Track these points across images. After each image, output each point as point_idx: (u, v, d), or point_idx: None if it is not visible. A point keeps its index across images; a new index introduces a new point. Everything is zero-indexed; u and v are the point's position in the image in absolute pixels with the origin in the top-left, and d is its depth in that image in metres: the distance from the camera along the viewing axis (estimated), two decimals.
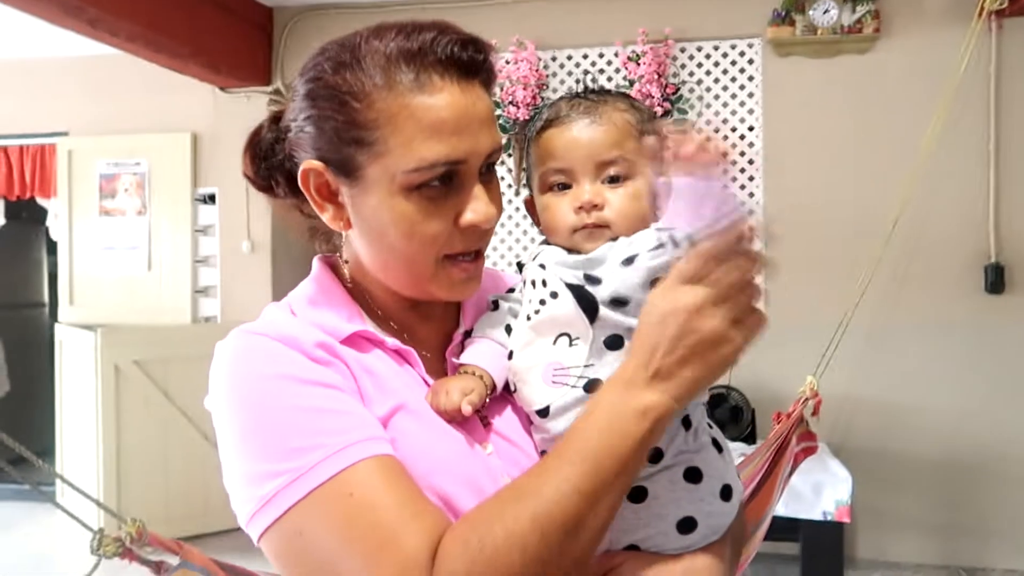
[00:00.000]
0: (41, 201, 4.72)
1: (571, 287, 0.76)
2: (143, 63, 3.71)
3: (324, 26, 4.05)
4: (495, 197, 0.79)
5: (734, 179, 0.62)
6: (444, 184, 0.74)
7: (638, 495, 0.73)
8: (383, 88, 0.72)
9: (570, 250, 0.80)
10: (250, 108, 4.16)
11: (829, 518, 2.79)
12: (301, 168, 0.78)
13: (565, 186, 0.81)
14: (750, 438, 3.30)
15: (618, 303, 0.74)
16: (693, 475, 0.74)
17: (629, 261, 0.74)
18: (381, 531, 0.64)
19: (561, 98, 0.85)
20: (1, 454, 1.93)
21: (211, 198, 4.26)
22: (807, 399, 2.24)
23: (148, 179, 4.32)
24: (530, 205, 0.87)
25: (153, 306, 4.27)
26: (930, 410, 3.53)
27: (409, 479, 0.69)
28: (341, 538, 0.65)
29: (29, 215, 5.12)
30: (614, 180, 0.80)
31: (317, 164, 0.77)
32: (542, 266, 0.80)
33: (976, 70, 3.43)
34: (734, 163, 0.63)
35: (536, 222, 0.85)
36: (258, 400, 0.71)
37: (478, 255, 0.80)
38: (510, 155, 3.86)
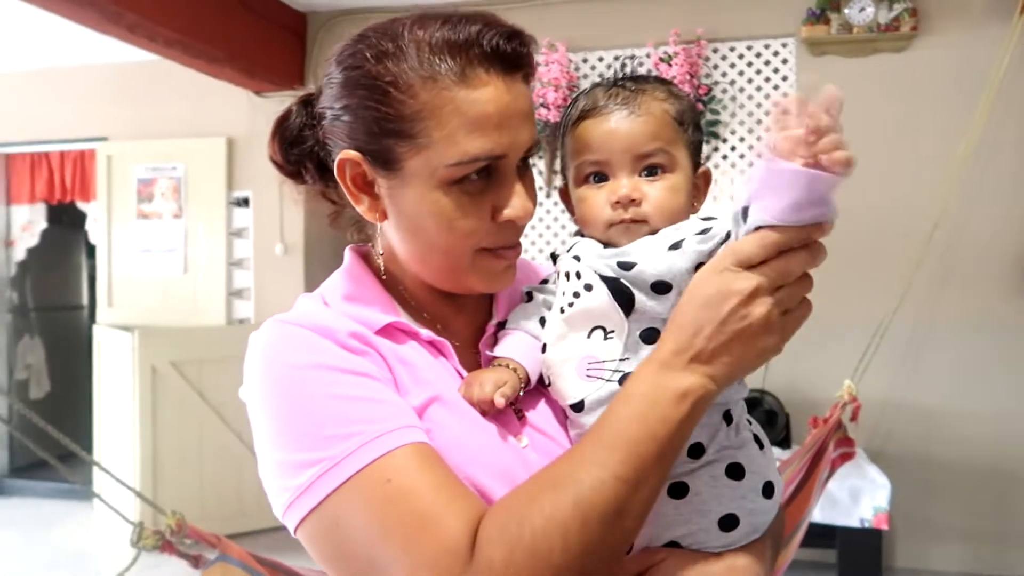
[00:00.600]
0: (81, 205, 4.82)
1: (606, 279, 0.75)
2: (179, 69, 3.77)
3: (355, 28, 4.08)
4: (531, 190, 0.79)
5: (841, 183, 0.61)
6: (483, 178, 0.74)
7: (680, 491, 0.72)
8: (427, 80, 0.71)
9: (605, 243, 0.79)
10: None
11: (867, 525, 2.73)
12: (338, 158, 0.77)
13: (602, 178, 0.79)
14: (784, 443, 3.25)
15: (660, 289, 0.72)
16: (735, 471, 0.73)
17: (676, 246, 0.73)
18: (420, 516, 0.63)
19: (597, 85, 0.82)
20: (45, 452, 1.96)
21: (245, 201, 4.32)
22: (845, 404, 2.20)
23: (184, 183, 4.39)
24: (564, 195, 0.86)
25: (189, 308, 4.33)
26: (971, 414, 3.45)
27: (445, 466, 0.68)
28: (380, 524, 0.64)
29: (69, 219, 5.23)
30: (652, 172, 0.78)
31: (354, 154, 0.76)
32: (576, 258, 0.79)
33: (1018, 68, 3.35)
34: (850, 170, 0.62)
35: (571, 211, 0.84)
36: (292, 389, 0.70)
37: (515, 246, 0.80)
38: (541, 157, 3.86)
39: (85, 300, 5.96)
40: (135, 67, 4.37)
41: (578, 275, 0.77)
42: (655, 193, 0.77)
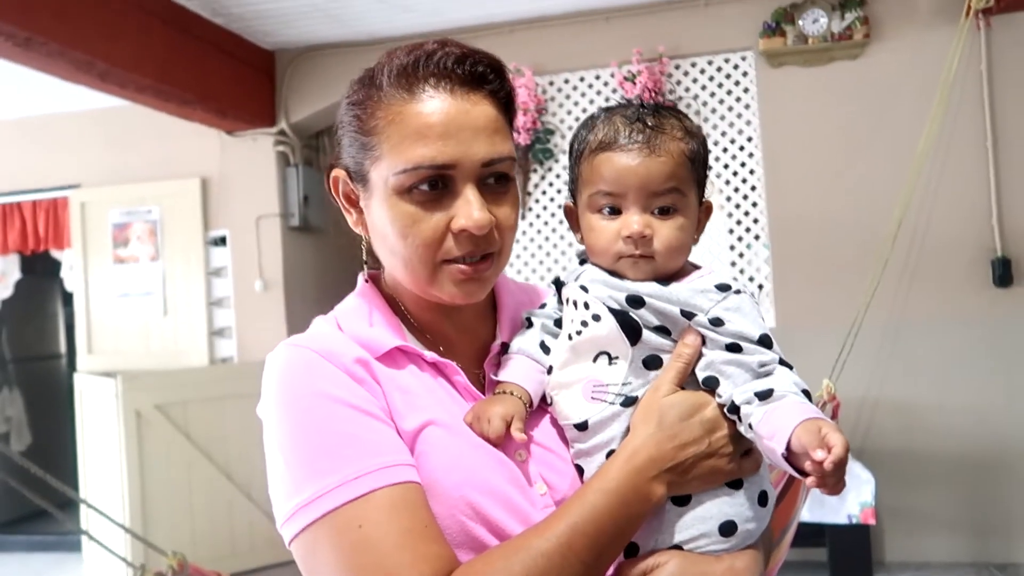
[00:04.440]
0: (55, 253, 4.79)
1: (614, 312, 0.79)
2: (151, 112, 3.80)
3: (324, 66, 4.14)
4: (501, 207, 0.80)
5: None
6: (436, 189, 0.77)
7: (683, 500, 0.77)
8: (385, 98, 0.78)
9: (611, 272, 0.82)
10: (256, 150, 4.25)
11: (855, 521, 2.79)
12: (331, 175, 0.85)
13: (615, 210, 0.82)
14: None
15: (662, 332, 0.79)
16: (734, 483, 0.78)
17: (686, 315, 0.79)
18: (381, 570, 0.68)
19: (616, 112, 0.84)
20: (32, 504, 1.96)
21: (222, 240, 4.33)
22: (824, 403, 2.25)
23: (160, 225, 4.40)
24: (570, 213, 0.89)
25: (170, 350, 4.32)
26: (949, 407, 3.53)
27: (423, 511, 0.72)
28: (344, 569, 0.69)
29: (43, 268, 5.20)
30: (664, 211, 0.81)
31: (340, 172, 0.84)
32: (584, 288, 0.82)
33: (968, 68, 3.48)
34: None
35: (574, 228, 0.88)
36: (293, 415, 0.75)
37: (485, 259, 0.80)
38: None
39: (63, 349, 5.90)
40: (106, 113, 4.39)
41: (586, 305, 0.81)
42: (665, 232, 0.80)
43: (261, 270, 4.24)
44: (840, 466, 0.67)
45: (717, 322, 0.77)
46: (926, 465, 3.53)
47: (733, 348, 0.77)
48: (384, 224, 0.80)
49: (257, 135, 4.22)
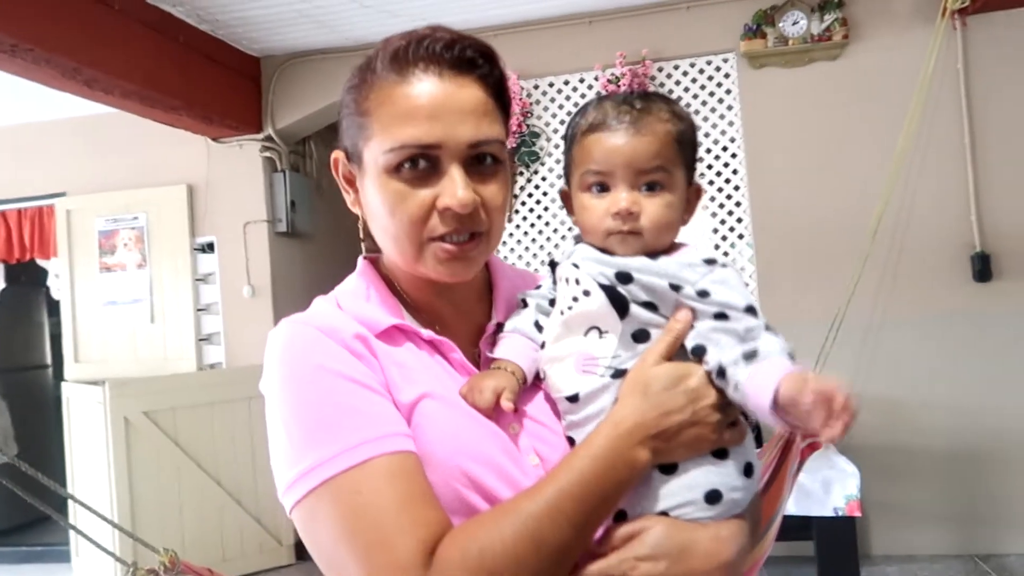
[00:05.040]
0: (40, 262, 4.78)
1: (603, 287, 0.82)
2: (136, 119, 3.81)
3: (310, 72, 4.16)
4: (488, 187, 0.82)
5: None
6: (423, 168, 0.80)
7: (671, 468, 0.79)
8: (377, 82, 0.82)
9: (602, 249, 0.86)
10: (243, 156, 4.26)
11: (840, 513, 2.82)
12: (332, 157, 0.89)
13: (604, 188, 0.85)
14: (757, 441, 3.34)
15: (649, 307, 0.82)
16: (720, 452, 0.81)
17: (675, 287, 0.81)
18: (380, 532, 0.70)
19: (606, 98, 0.88)
20: (23, 514, 1.95)
21: (210, 246, 4.34)
22: None
23: (147, 233, 4.40)
24: (566, 197, 0.92)
25: (159, 356, 4.31)
26: (931, 401, 3.58)
27: (420, 478, 0.74)
28: (343, 531, 0.72)
29: (28, 277, 5.17)
30: (651, 188, 0.84)
31: (339, 153, 0.88)
32: (575, 265, 0.86)
33: (945, 68, 3.54)
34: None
35: (569, 211, 0.91)
36: (294, 389, 0.78)
37: (472, 239, 0.82)
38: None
39: (49, 359, 5.86)
40: (91, 120, 4.39)
41: (577, 281, 0.85)
42: (652, 208, 0.84)
43: (249, 276, 4.24)
44: (829, 400, 0.68)
45: (704, 294, 0.80)
46: (910, 459, 3.58)
47: (720, 317, 0.80)
48: (375, 202, 0.83)
49: (243, 141, 4.23)
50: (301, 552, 4.08)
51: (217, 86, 3.88)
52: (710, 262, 0.82)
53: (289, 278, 4.38)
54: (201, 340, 4.33)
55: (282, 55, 4.18)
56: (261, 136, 4.22)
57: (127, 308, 4.39)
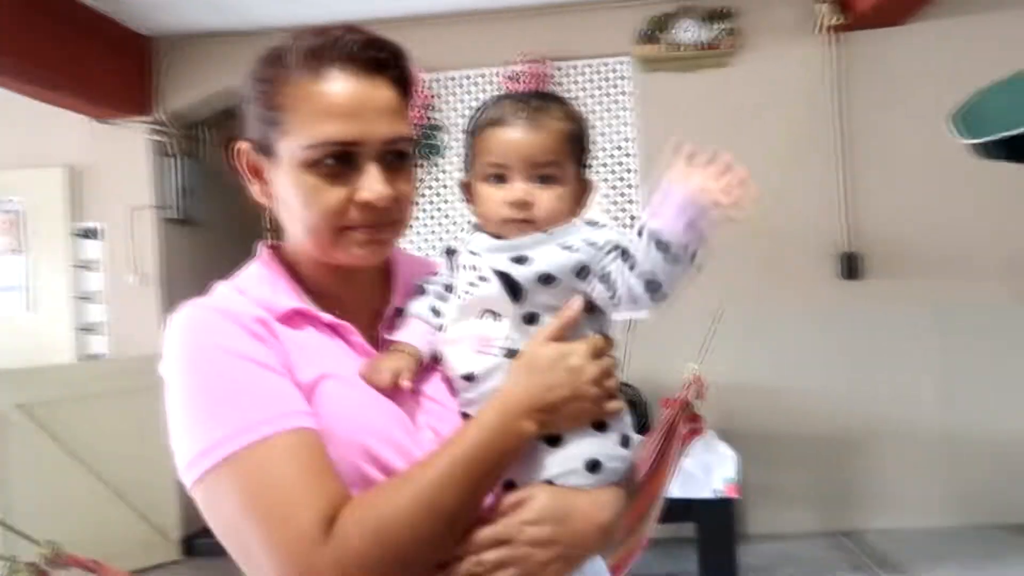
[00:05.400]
0: None
1: (498, 273, 0.89)
2: (12, 96, 3.59)
3: (204, 54, 4.03)
4: (401, 181, 0.88)
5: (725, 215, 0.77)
6: (341, 163, 0.84)
7: (556, 440, 0.87)
8: (293, 77, 0.84)
9: (498, 237, 0.92)
10: (130, 138, 4.08)
11: (719, 495, 3.00)
12: (236, 147, 0.90)
13: (501, 179, 0.92)
14: (644, 430, 3.49)
15: (546, 281, 0.88)
16: (600, 425, 0.89)
17: (568, 247, 0.89)
18: (280, 506, 0.74)
19: (507, 96, 0.96)
20: None
21: (93, 232, 4.14)
22: (690, 384, 2.43)
23: (23, 216, 4.15)
24: (466, 187, 0.98)
25: (35, 346, 4.09)
26: (804, 391, 3.86)
27: (320, 454, 0.78)
28: (245, 507, 0.74)
29: None
30: (544, 181, 0.91)
31: (245, 144, 0.89)
32: (473, 252, 0.92)
33: (822, 79, 3.80)
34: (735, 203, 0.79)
35: (468, 200, 0.97)
36: (195, 369, 0.80)
37: (381, 225, 0.88)
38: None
39: None
40: None
41: (474, 267, 0.91)
42: (545, 199, 0.91)
43: (136, 263, 4.08)
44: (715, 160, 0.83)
45: (592, 244, 0.89)
46: (784, 444, 3.84)
47: (611, 251, 0.89)
48: (289, 194, 0.86)
49: (131, 123, 4.05)
50: (189, 548, 3.97)
51: (102, 64, 3.71)
52: (592, 223, 0.92)
53: (180, 266, 4.23)
54: (83, 330, 4.14)
55: (174, 36, 4.03)
56: (150, 119, 4.06)
57: (1, 295, 4.14)
